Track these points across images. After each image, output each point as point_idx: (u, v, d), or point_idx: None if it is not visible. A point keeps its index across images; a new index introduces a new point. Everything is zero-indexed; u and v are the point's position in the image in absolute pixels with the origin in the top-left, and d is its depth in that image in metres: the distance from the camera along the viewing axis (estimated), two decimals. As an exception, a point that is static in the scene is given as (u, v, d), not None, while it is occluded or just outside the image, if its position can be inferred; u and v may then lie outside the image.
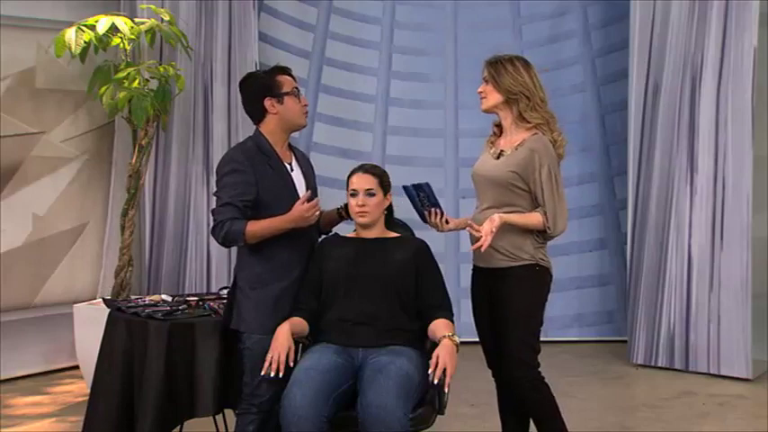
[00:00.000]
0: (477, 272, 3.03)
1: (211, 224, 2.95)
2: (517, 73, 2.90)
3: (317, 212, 2.86)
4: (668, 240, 5.04)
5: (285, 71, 3.01)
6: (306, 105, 3.00)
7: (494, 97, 2.94)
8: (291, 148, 3.06)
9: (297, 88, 2.98)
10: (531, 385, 2.90)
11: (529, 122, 2.91)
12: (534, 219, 2.86)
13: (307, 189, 2.97)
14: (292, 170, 2.99)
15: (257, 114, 2.98)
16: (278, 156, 2.96)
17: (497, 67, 2.93)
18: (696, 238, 4.95)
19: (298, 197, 2.90)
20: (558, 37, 5.83)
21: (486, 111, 3.00)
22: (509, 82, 2.90)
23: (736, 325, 4.81)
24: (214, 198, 2.95)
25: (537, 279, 2.91)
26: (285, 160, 2.99)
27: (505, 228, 2.83)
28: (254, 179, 2.87)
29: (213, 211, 2.91)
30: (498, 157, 2.94)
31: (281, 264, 2.93)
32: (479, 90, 2.99)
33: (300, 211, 2.81)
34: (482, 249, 2.78)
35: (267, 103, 2.95)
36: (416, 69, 5.90)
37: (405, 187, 2.94)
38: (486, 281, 2.96)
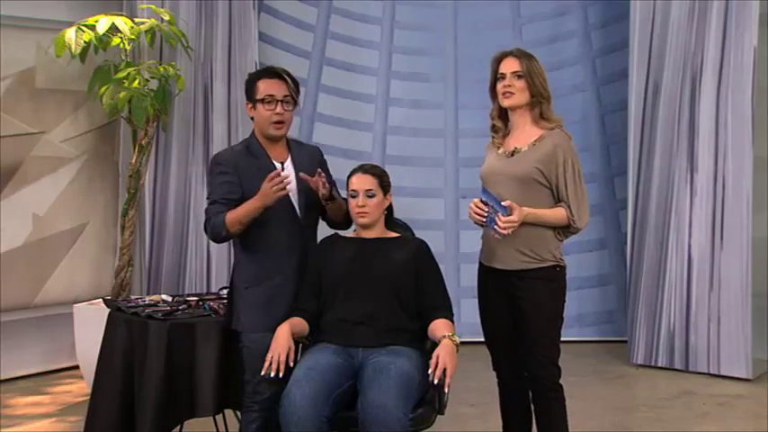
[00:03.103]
0: (490, 273, 2.95)
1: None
2: (543, 73, 2.85)
3: (285, 186, 2.73)
4: (668, 240, 5.04)
5: (271, 74, 2.95)
6: (279, 114, 2.90)
7: (524, 96, 2.86)
8: (290, 146, 3.04)
9: (271, 95, 2.89)
10: (551, 385, 2.90)
11: (550, 122, 2.87)
12: (559, 213, 2.83)
13: (299, 189, 2.95)
14: (283, 169, 2.95)
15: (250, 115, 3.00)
16: (267, 156, 2.95)
17: (531, 65, 2.85)
18: (696, 238, 4.95)
19: (287, 196, 2.89)
20: (558, 37, 5.84)
21: (511, 107, 2.89)
22: (540, 84, 2.85)
23: (736, 325, 4.81)
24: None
25: (558, 280, 2.90)
26: (279, 160, 2.97)
27: (528, 228, 2.80)
28: (237, 180, 2.89)
29: (205, 211, 2.95)
30: (512, 155, 2.89)
31: (274, 262, 2.93)
32: (507, 83, 2.86)
33: (265, 186, 2.74)
34: (504, 234, 2.73)
35: (247, 107, 2.98)
36: (416, 69, 5.90)
37: (484, 191, 2.83)
38: (501, 282, 2.91)
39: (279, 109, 2.90)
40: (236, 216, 2.83)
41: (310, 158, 3.06)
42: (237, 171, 2.90)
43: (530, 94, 2.87)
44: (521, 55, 2.88)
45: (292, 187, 2.94)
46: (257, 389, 2.88)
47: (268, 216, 2.86)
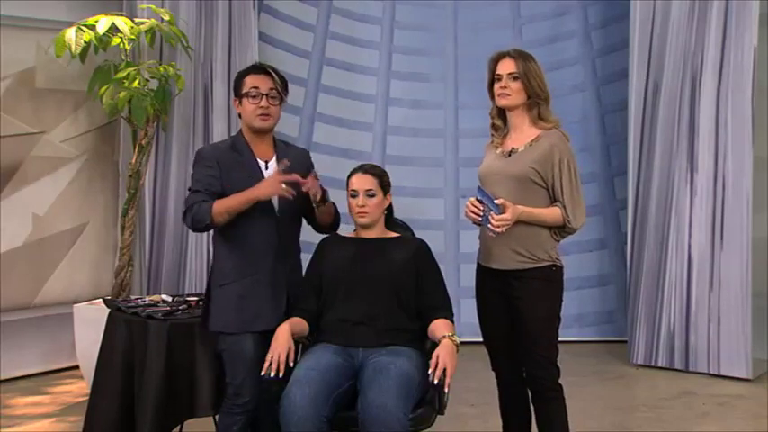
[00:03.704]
0: (488, 273, 2.96)
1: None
2: (541, 74, 2.85)
3: (285, 191, 2.76)
4: (668, 240, 5.04)
5: (257, 70, 2.97)
6: (263, 108, 2.91)
7: (520, 97, 2.87)
8: (277, 146, 3.02)
9: (255, 88, 2.91)
10: (551, 385, 2.90)
11: (548, 123, 2.88)
12: (554, 212, 2.84)
13: None
14: (267, 168, 2.95)
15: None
16: (252, 153, 2.95)
17: (528, 65, 2.85)
18: (696, 238, 4.95)
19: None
20: (558, 37, 5.84)
21: (507, 108, 2.91)
22: (537, 85, 2.85)
23: (736, 325, 4.81)
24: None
25: (555, 279, 2.90)
26: (263, 158, 2.96)
27: (523, 228, 2.80)
28: (218, 174, 2.89)
29: (184, 201, 2.94)
30: (509, 155, 2.89)
31: (247, 261, 2.90)
32: (503, 85, 2.87)
33: (274, 176, 2.76)
34: (499, 233, 2.74)
35: (234, 103, 3.00)
36: (416, 69, 5.90)
37: (480, 189, 2.83)
38: (498, 283, 2.92)
39: (263, 102, 2.91)
40: (223, 206, 2.82)
41: (297, 161, 3.00)
42: (220, 166, 2.90)
43: (526, 95, 2.87)
44: (517, 56, 2.88)
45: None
46: (239, 391, 2.85)
47: (245, 214, 2.84)
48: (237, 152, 2.95)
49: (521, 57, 2.88)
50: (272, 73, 2.95)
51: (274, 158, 2.98)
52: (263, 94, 2.92)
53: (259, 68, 2.98)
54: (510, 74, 2.87)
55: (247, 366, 2.84)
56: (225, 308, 2.90)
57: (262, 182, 2.82)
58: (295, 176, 2.82)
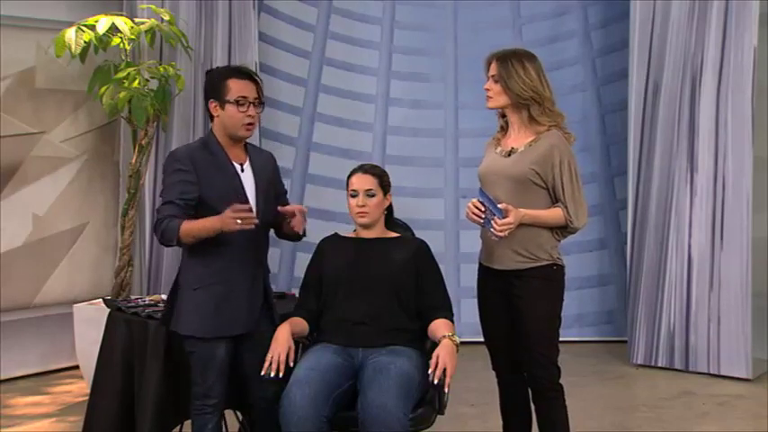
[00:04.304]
0: (489, 273, 2.96)
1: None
2: (527, 77, 2.83)
3: (244, 223, 2.64)
4: (668, 240, 5.04)
5: (242, 74, 2.86)
6: (251, 116, 2.82)
7: (502, 99, 2.89)
8: (248, 149, 2.94)
9: (244, 97, 2.80)
10: (551, 385, 2.90)
11: (541, 125, 2.88)
12: (556, 213, 2.84)
13: (258, 192, 2.87)
14: (242, 171, 2.87)
15: (208, 112, 2.90)
16: (226, 156, 2.85)
17: (507, 67, 2.85)
18: (696, 238, 4.95)
19: (246, 198, 2.82)
20: (558, 37, 5.84)
21: (491, 109, 2.95)
22: (519, 87, 2.84)
23: (736, 325, 4.81)
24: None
25: (556, 279, 2.90)
26: (236, 161, 2.87)
27: (525, 229, 2.80)
28: (195, 178, 2.78)
29: (156, 210, 2.85)
30: (509, 155, 2.90)
31: (227, 265, 2.82)
32: (486, 87, 2.92)
33: (226, 214, 2.65)
34: (502, 237, 2.74)
35: (211, 105, 2.86)
36: (416, 69, 5.89)
37: (482, 192, 2.82)
38: (499, 283, 2.92)
39: (251, 111, 2.83)
40: (190, 230, 2.71)
41: (266, 164, 2.97)
42: (196, 168, 2.79)
43: (507, 96, 2.88)
44: (501, 58, 2.89)
45: (251, 190, 2.86)
46: (208, 393, 2.82)
47: None
48: (211, 153, 2.84)
49: (502, 59, 2.89)
50: (257, 79, 2.88)
51: (248, 161, 2.90)
52: (249, 103, 2.83)
53: (244, 73, 2.87)
54: (491, 76, 2.90)
55: (217, 372, 2.81)
56: (200, 312, 2.81)
57: (222, 214, 2.66)
58: (287, 209, 2.84)
